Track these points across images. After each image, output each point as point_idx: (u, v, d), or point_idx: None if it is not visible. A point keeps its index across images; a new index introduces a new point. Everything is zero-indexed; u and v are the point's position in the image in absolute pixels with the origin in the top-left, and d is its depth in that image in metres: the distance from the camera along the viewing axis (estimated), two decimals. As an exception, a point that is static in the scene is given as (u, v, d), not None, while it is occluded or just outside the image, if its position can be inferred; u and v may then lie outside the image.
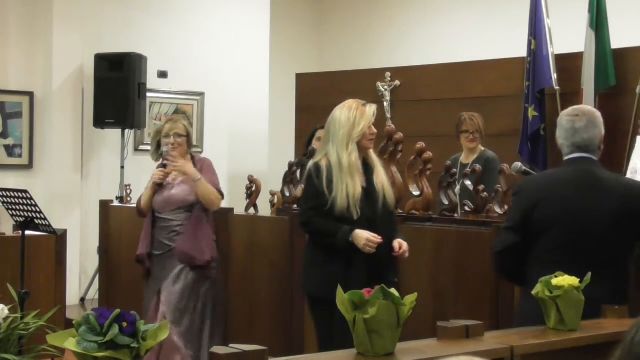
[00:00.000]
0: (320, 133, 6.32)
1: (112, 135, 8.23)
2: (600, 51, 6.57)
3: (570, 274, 3.20)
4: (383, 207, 4.26)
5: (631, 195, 3.59)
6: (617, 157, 6.60)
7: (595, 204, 3.52)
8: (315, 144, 6.30)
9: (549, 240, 3.50)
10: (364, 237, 4.12)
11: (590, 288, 3.21)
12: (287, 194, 5.70)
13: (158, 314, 5.03)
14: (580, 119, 3.59)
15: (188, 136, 5.18)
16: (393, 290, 2.78)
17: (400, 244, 4.24)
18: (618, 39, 6.67)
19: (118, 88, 7.90)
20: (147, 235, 5.16)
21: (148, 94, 8.20)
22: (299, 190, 5.62)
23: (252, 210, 5.96)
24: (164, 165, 5.11)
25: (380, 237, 4.14)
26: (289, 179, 5.71)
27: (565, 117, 3.63)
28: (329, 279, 4.01)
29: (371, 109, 4.25)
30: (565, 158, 3.63)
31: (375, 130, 4.25)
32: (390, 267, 4.25)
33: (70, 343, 2.34)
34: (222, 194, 5.19)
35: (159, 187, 5.11)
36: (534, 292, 3.38)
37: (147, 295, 5.25)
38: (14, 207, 5.01)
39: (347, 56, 9.78)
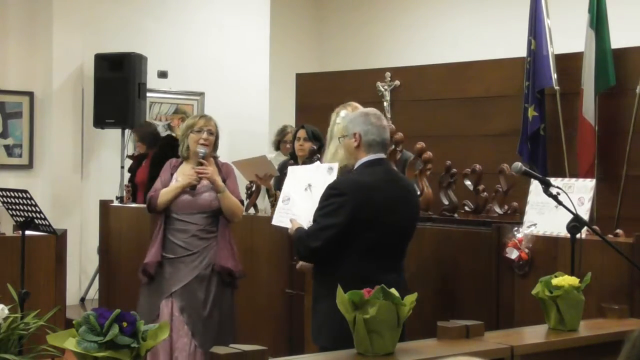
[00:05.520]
0: (301, 133, 6.25)
1: (112, 135, 8.23)
2: (600, 51, 6.56)
3: (380, 266, 3.62)
4: None
5: (416, 192, 4.06)
6: (617, 157, 6.61)
7: (404, 201, 3.82)
8: (295, 145, 6.23)
9: (371, 237, 3.68)
10: None
11: (393, 275, 3.64)
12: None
13: (175, 321, 4.74)
14: (381, 118, 3.87)
15: (217, 136, 4.96)
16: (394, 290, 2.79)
17: None
18: (618, 39, 6.66)
19: (118, 88, 7.89)
20: (160, 240, 4.85)
21: (148, 94, 8.20)
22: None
23: (252, 210, 5.96)
24: (200, 164, 4.85)
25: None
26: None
27: (370, 115, 3.83)
28: None
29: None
30: (377, 157, 3.78)
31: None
32: None
33: (70, 343, 2.34)
34: (243, 203, 5.01)
35: (191, 189, 4.85)
36: (533, 292, 3.38)
37: (150, 300, 4.90)
38: (14, 207, 5.00)
39: (347, 56, 9.78)
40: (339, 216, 3.63)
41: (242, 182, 6.28)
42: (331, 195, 3.69)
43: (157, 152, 7.22)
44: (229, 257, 4.90)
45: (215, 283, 4.87)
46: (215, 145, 4.98)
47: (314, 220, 3.73)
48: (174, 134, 7.61)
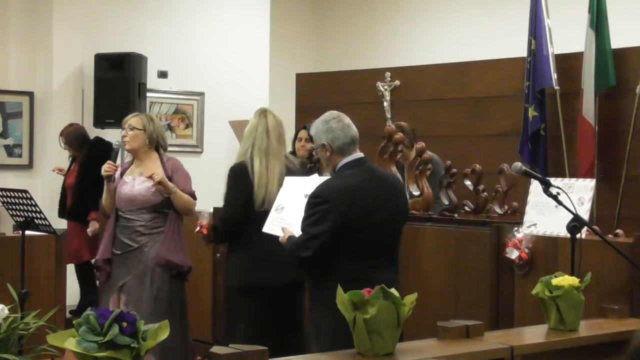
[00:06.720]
0: (302, 134, 6.25)
1: (112, 135, 8.21)
2: (600, 51, 6.56)
3: (375, 265, 3.63)
4: None
5: (402, 187, 4.12)
6: (617, 157, 6.61)
7: (389, 197, 3.79)
8: (296, 145, 6.24)
9: (361, 238, 3.67)
10: None
11: (386, 274, 3.57)
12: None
13: None
14: (342, 117, 3.85)
15: (145, 131, 5.01)
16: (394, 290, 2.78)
17: None
18: (618, 39, 6.66)
19: (118, 88, 7.89)
20: (108, 238, 5.03)
21: (148, 94, 8.20)
22: None
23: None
24: (114, 159, 5.07)
25: None
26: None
27: (330, 121, 3.81)
28: None
29: None
30: (354, 157, 3.78)
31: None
32: None
33: (70, 343, 2.34)
34: (195, 198, 5.09)
35: (109, 181, 4.99)
36: (533, 292, 3.38)
37: (104, 297, 5.08)
38: (14, 207, 5.00)
39: (347, 56, 9.78)
40: (326, 223, 3.63)
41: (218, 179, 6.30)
42: (316, 203, 3.68)
43: (86, 154, 7.22)
44: (173, 251, 4.95)
45: (160, 277, 4.95)
46: (150, 139, 5.04)
47: (302, 230, 3.72)
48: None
